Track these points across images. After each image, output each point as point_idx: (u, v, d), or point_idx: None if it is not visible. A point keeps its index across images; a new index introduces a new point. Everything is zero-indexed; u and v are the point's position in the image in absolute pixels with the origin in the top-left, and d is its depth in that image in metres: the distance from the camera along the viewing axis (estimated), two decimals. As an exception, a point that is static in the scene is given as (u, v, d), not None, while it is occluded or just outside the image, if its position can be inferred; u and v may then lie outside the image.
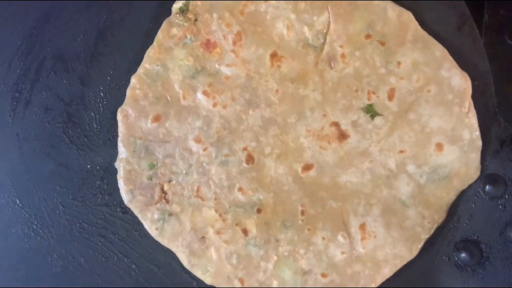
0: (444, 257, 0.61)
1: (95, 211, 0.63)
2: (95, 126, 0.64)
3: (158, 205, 0.62)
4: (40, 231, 0.63)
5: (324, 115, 0.62)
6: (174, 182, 0.62)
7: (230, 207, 0.62)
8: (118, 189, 0.62)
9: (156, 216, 0.61)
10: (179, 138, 0.62)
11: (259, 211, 0.62)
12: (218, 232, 0.61)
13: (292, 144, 0.62)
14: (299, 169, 0.62)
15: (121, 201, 0.62)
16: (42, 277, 0.63)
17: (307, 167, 0.62)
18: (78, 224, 0.63)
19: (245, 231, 0.61)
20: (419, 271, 0.61)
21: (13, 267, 0.64)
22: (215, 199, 0.62)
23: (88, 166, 0.64)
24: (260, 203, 0.62)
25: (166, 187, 0.62)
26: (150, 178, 0.62)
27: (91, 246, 0.63)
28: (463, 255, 0.61)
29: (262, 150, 0.62)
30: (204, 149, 0.62)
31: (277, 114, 0.62)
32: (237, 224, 0.61)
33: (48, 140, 0.64)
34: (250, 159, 0.62)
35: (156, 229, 0.61)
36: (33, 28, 0.64)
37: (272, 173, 0.62)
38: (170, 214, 0.61)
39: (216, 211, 0.62)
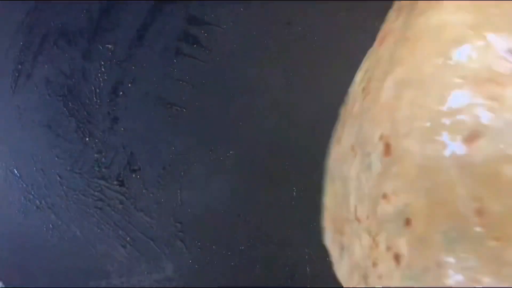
0: None
1: (91, 183, 0.64)
2: (95, 100, 0.65)
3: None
4: (37, 201, 0.64)
5: None
6: None
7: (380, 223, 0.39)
8: (115, 162, 0.63)
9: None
10: None
11: (408, 222, 0.37)
12: (374, 265, 0.40)
13: None
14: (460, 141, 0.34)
15: (118, 174, 0.62)
16: (36, 247, 0.64)
17: (474, 136, 0.33)
18: (74, 196, 0.64)
19: (397, 257, 0.38)
20: None
21: (8, 236, 0.64)
22: (367, 217, 0.40)
23: (87, 139, 0.65)
24: (408, 210, 0.37)
25: None
26: None
27: (87, 218, 0.63)
28: None
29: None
30: None
31: None
32: (388, 248, 0.38)
33: (48, 112, 0.65)
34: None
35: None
36: (38, 3, 0.66)
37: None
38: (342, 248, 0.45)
39: (369, 233, 0.40)
